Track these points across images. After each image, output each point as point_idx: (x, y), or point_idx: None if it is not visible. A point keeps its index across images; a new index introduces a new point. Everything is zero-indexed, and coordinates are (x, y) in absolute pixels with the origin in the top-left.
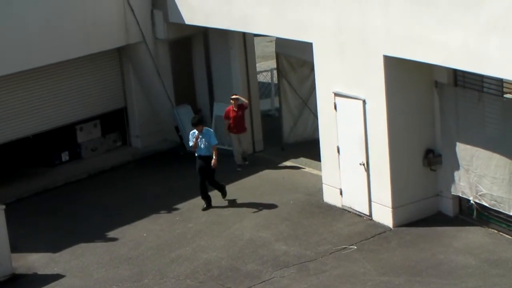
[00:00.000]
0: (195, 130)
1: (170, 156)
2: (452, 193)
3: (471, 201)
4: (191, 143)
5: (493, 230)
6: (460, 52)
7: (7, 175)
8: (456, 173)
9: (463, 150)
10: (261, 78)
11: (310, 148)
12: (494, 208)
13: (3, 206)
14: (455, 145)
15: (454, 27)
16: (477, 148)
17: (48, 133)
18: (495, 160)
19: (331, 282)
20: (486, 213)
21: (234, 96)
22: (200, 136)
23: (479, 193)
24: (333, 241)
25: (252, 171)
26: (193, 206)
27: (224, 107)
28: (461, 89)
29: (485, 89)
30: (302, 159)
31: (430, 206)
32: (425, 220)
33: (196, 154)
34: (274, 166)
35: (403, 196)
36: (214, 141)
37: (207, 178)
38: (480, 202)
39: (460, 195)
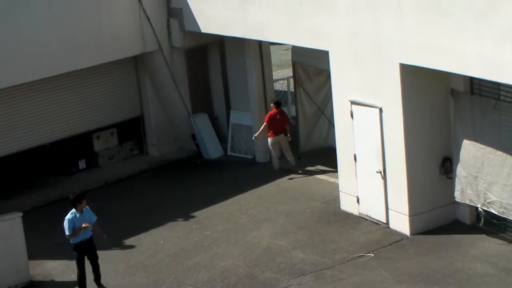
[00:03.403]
0: (73, 211)
1: (187, 165)
2: (459, 201)
3: (479, 209)
4: (69, 231)
5: (508, 238)
6: (476, 60)
7: (24, 184)
8: (464, 180)
9: (473, 157)
10: (278, 86)
11: (326, 156)
12: (503, 216)
13: (20, 214)
14: (465, 152)
15: (470, 35)
16: (488, 155)
17: (65, 142)
18: (508, 167)
19: None
20: (502, 222)
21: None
22: (81, 217)
23: (487, 201)
24: (350, 249)
25: (269, 179)
26: (210, 214)
27: (241, 115)
28: (477, 97)
29: (501, 97)
30: (318, 167)
31: (447, 214)
32: (442, 228)
33: (78, 241)
34: (291, 174)
35: (420, 204)
36: (94, 217)
37: (95, 259)
38: (488, 210)
39: (468, 202)
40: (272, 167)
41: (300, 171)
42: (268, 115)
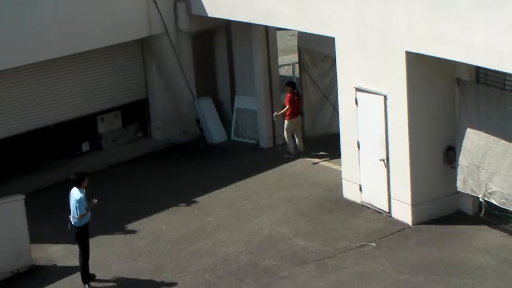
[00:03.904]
0: (82, 190)
1: (190, 149)
2: (461, 191)
3: (480, 199)
4: (85, 210)
5: (510, 230)
6: (482, 49)
7: (27, 166)
8: (466, 170)
9: (476, 146)
10: (283, 72)
11: (330, 143)
12: (504, 207)
13: (23, 196)
14: (468, 141)
15: (477, 24)
16: (491, 145)
17: (69, 123)
18: (510, 158)
19: (349, 279)
20: (503, 213)
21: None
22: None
23: (489, 191)
24: (352, 238)
25: (272, 165)
26: (213, 200)
27: (245, 100)
28: (483, 87)
29: (507, 87)
30: (322, 153)
31: (449, 204)
32: (445, 218)
33: (85, 222)
34: (294, 160)
35: (422, 194)
36: None
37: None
38: (489, 200)
39: (469, 192)
40: (279, 151)
41: (304, 157)
42: (288, 97)
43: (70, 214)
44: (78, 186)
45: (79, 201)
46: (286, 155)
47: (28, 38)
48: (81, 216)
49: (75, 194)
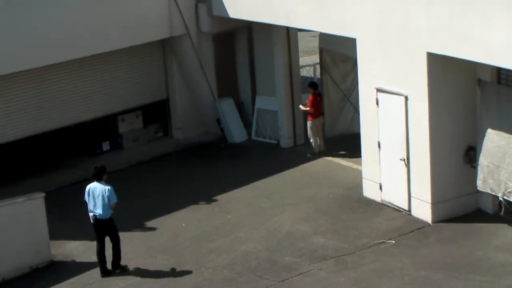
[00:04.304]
0: (103, 182)
1: (211, 148)
2: (481, 190)
3: (500, 198)
4: (116, 199)
5: None
6: (504, 50)
7: (48, 164)
8: (486, 170)
9: (496, 146)
10: (304, 72)
11: (350, 142)
12: None
13: (43, 194)
14: (488, 141)
15: (498, 24)
16: None
17: (90, 123)
18: None
19: (368, 276)
20: None
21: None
22: None
23: (508, 190)
24: (372, 236)
25: (292, 165)
26: (233, 198)
27: (266, 101)
28: (504, 87)
29: None
30: (342, 153)
31: (469, 202)
32: (465, 217)
33: (110, 215)
34: (315, 159)
35: (443, 192)
36: None
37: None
38: (509, 199)
39: (489, 191)
40: (299, 151)
41: (324, 157)
42: (311, 99)
43: (90, 209)
44: (100, 180)
45: (110, 190)
46: (309, 155)
47: (49, 39)
48: (114, 205)
49: (100, 186)
